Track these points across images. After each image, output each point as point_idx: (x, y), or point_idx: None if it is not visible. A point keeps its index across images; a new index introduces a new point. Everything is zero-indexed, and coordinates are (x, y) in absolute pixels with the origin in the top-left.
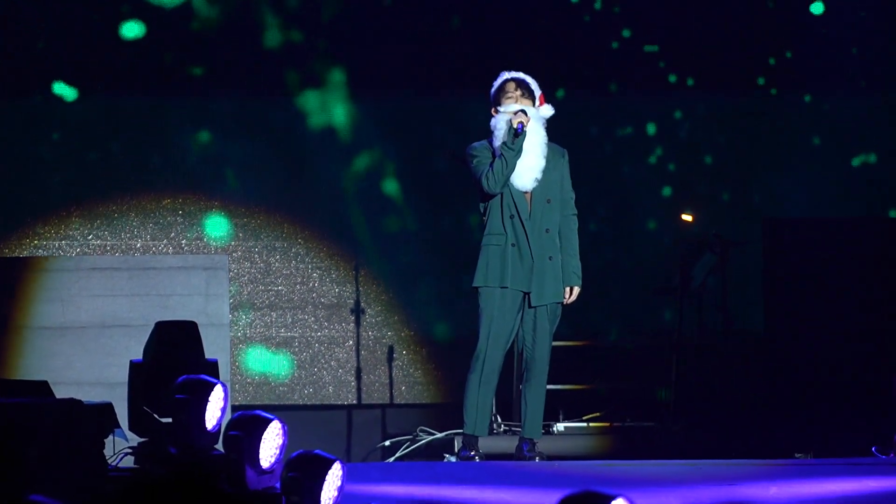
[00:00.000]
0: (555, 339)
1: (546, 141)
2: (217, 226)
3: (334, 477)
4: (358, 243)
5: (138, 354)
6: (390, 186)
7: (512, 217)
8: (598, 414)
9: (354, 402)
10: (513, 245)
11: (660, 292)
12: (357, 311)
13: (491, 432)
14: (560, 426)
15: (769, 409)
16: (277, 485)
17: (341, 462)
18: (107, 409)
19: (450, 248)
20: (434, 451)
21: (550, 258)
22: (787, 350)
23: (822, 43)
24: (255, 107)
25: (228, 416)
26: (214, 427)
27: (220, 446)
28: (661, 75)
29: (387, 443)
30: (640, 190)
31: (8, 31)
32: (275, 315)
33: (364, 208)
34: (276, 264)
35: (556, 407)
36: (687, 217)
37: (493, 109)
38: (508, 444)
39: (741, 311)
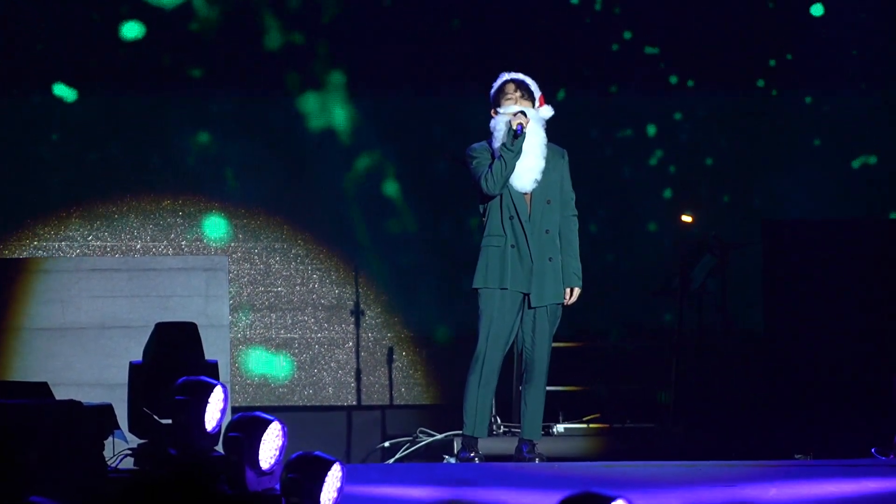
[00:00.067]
0: (555, 340)
1: (545, 142)
2: (217, 227)
3: (334, 478)
4: (358, 245)
5: (138, 356)
6: (390, 188)
7: (511, 218)
8: (597, 415)
9: (354, 403)
10: (512, 246)
11: (660, 293)
12: (357, 313)
13: (490, 433)
14: (560, 427)
15: (769, 410)
16: (277, 486)
17: (341, 463)
18: (106, 410)
19: (450, 249)
20: (434, 453)
21: (550, 259)
22: (787, 351)
23: (822, 44)
24: (254, 108)
25: (228, 417)
26: (214, 428)
27: (220, 448)
28: (662, 76)
29: (386, 444)
30: (640, 191)
31: (8, 31)
32: (275, 316)
33: (364, 210)
34: (276, 265)
35: (556, 408)
36: (687, 218)
37: (492, 111)
38: (508, 445)
39: (741, 312)
